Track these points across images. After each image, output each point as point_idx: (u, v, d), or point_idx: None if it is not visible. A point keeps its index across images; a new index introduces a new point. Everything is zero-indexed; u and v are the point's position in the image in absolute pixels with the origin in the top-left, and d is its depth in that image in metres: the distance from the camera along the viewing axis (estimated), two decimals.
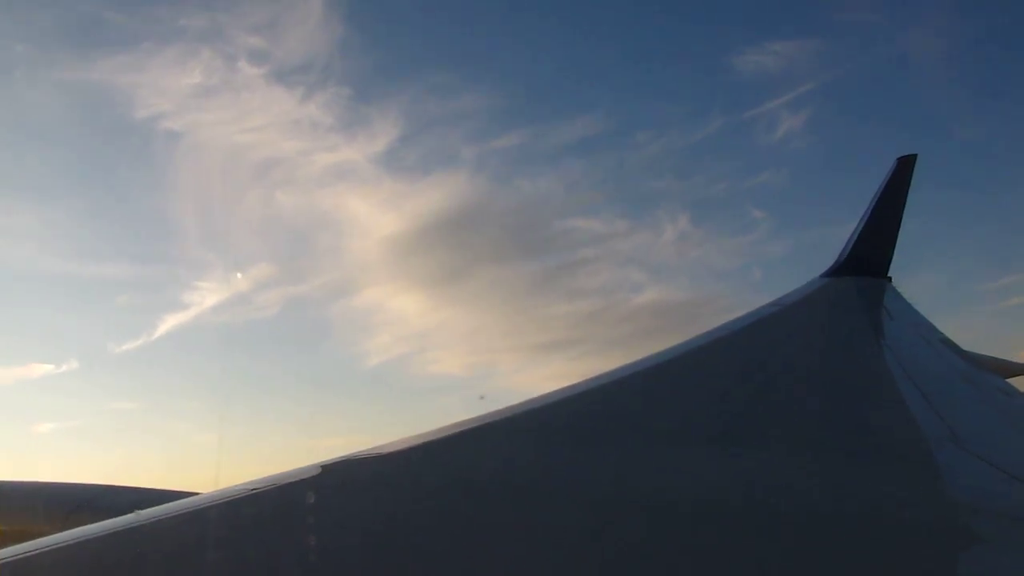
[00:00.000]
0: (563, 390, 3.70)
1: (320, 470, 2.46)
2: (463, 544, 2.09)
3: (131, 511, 2.23)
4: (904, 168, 10.07)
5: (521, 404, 3.45)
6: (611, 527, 2.26)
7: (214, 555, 1.97)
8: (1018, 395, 5.12)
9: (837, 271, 9.48)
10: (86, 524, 2.14)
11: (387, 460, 2.70)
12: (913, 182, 10.01)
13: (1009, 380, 6.01)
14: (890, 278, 9.54)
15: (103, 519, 2.16)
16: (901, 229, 9.81)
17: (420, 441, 2.91)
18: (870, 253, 9.57)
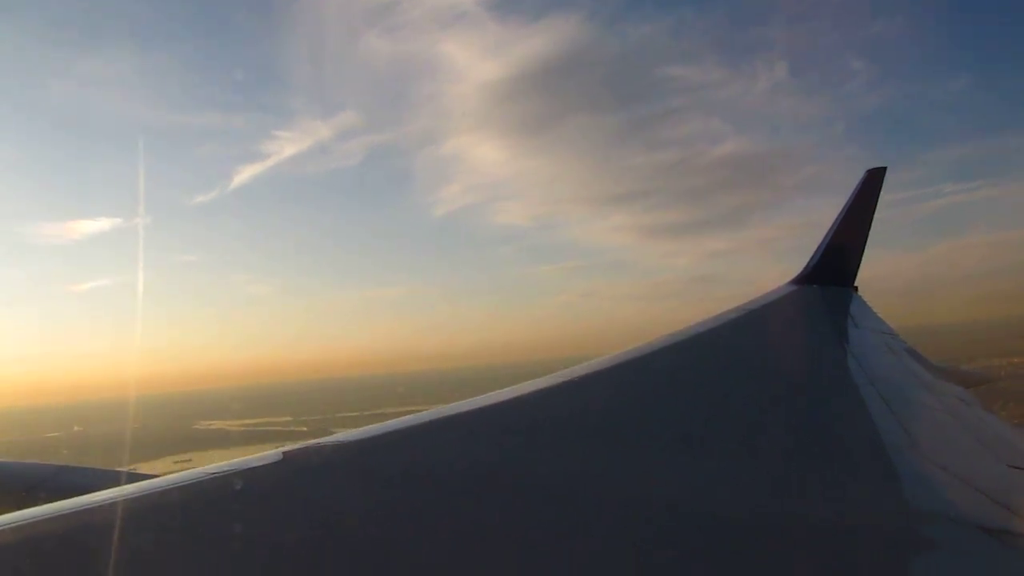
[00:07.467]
0: (523, 386, 3.71)
1: (282, 456, 2.43)
2: (420, 535, 2.08)
3: (88, 492, 2.17)
4: (873, 180, 10.27)
5: (484, 397, 3.45)
6: (569, 524, 2.26)
7: (167, 539, 1.93)
8: (976, 404, 5.25)
9: (804, 279, 9.63)
10: (40, 504, 2.08)
11: (349, 448, 2.68)
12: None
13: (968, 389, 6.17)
14: (856, 287, 9.74)
15: (59, 499, 2.10)
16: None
17: (385, 430, 2.89)
18: (837, 263, 9.74)
